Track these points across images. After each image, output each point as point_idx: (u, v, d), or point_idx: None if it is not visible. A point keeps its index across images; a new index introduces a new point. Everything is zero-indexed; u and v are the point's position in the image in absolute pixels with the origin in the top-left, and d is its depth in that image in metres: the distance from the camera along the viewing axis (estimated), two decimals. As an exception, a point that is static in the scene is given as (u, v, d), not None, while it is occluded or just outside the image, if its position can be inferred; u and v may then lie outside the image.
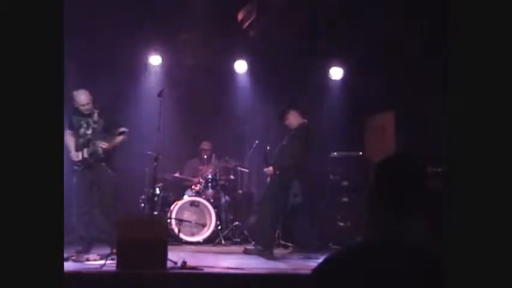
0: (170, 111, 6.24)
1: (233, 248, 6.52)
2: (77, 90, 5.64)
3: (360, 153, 6.89)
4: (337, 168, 6.83)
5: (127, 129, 5.80)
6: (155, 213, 6.64)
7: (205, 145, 7.65)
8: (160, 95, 5.68)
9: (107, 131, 5.74)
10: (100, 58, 7.09)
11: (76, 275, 4.18)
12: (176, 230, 6.58)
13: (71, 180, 5.56)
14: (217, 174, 7.38)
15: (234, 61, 7.80)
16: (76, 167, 5.62)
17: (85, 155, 5.64)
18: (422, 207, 1.56)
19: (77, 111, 5.70)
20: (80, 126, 5.69)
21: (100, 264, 4.53)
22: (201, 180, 7.30)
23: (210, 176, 7.30)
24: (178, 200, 6.92)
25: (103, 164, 5.69)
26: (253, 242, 6.19)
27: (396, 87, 6.64)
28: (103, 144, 5.63)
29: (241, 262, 5.14)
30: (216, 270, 4.54)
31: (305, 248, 5.84)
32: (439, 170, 5.01)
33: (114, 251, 4.56)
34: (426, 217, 1.66)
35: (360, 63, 7.21)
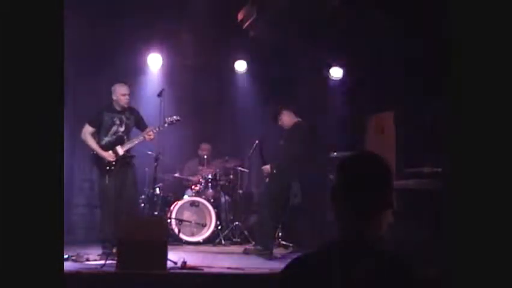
0: (170, 111, 6.24)
1: (233, 248, 6.52)
2: (114, 84, 5.73)
3: (360, 153, 6.87)
4: (337, 168, 6.81)
5: (179, 118, 5.82)
6: (155, 213, 6.64)
7: (204, 147, 7.65)
8: (160, 95, 5.68)
9: (137, 128, 5.78)
10: (100, 58, 7.08)
11: (76, 275, 4.18)
12: (176, 230, 6.58)
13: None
14: (217, 174, 7.38)
15: (234, 61, 7.79)
16: (110, 167, 5.53)
17: (121, 152, 5.59)
18: (387, 206, 1.54)
19: (110, 108, 5.70)
20: (113, 124, 5.66)
21: (100, 264, 4.53)
22: (201, 180, 7.30)
23: (210, 176, 7.29)
24: (178, 200, 6.91)
25: (133, 161, 5.68)
26: (253, 242, 6.19)
27: (396, 87, 6.64)
28: (149, 135, 5.60)
29: (241, 262, 5.15)
30: (216, 270, 4.54)
31: (305, 248, 5.84)
32: (439, 170, 5.01)
33: (114, 251, 4.56)
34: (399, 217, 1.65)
35: (360, 63, 7.20)
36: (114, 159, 5.52)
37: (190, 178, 7.51)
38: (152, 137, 5.61)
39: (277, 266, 5.13)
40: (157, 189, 6.85)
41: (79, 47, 6.36)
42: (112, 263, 4.43)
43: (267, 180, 6.05)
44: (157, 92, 5.92)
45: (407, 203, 5.49)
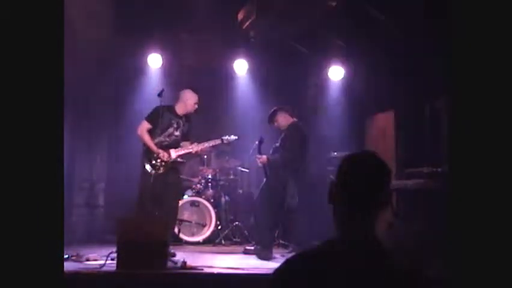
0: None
1: (233, 248, 6.52)
2: (184, 90, 5.76)
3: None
4: (337, 168, 6.81)
5: (237, 137, 5.88)
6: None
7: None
8: (160, 95, 5.68)
9: (187, 136, 5.80)
10: (100, 58, 7.08)
11: (76, 275, 4.18)
12: (176, 230, 6.57)
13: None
14: (217, 174, 7.38)
15: (234, 61, 7.78)
16: (160, 165, 5.52)
17: (173, 156, 5.57)
18: (384, 205, 1.55)
19: (171, 110, 5.72)
20: (171, 125, 5.68)
21: (100, 264, 4.53)
22: (201, 180, 7.30)
23: (210, 176, 7.30)
24: (178, 200, 6.91)
25: (181, 168, 5.68)
26: (253, 242, 6.19)
27: (396, 87, 6.64)
28: (193, 148, 5.61)
29: (241, 262, 5.14)
30: (216, 270, 4.54)
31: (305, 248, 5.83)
32: (439, 170, 5.01)
33: (114, 250, 4.56)
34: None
35: (360, 63, 7.21)
36: (166, 159, 5.53)
37: (190, 178, 7.51)
38: (198, 150, 5.68)
39: (277, 266, 5.13)
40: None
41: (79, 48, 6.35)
42: (112, 263, 4.43)
43: (264, 180, 6.02)
44: (157, 92, 5.90)
45: (407, 203, 5.49)
